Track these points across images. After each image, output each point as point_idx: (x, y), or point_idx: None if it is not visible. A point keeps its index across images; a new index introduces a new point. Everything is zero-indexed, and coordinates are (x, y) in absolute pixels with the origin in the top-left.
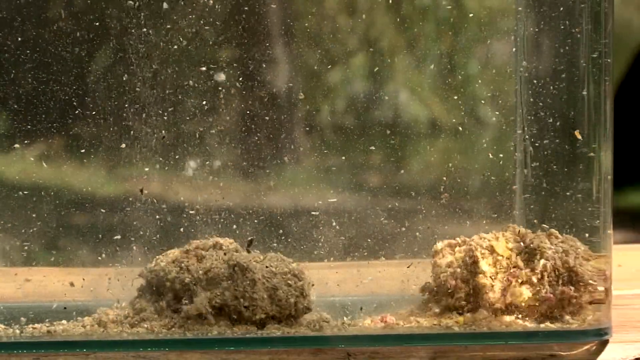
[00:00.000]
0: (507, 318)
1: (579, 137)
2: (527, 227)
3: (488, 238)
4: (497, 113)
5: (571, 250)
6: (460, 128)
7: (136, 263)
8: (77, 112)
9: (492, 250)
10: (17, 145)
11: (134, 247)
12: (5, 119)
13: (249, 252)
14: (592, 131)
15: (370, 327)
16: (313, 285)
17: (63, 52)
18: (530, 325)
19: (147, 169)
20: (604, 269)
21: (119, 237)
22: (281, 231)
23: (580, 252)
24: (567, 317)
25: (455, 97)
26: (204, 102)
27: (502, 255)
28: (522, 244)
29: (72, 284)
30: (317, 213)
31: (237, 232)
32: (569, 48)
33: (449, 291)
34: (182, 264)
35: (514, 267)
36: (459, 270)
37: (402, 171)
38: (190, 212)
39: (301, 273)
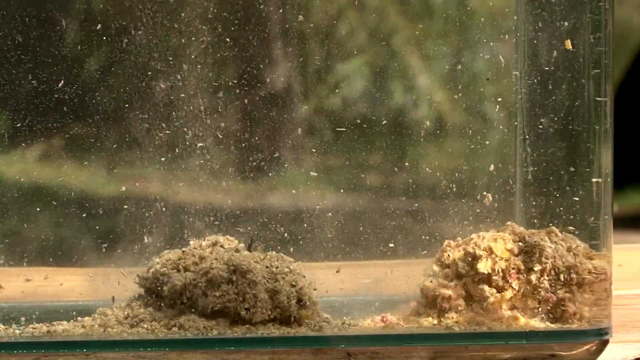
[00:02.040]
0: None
1: (570, 47)
2: (527, 226)
3: (487, 237)
4: (498, 112)
5: (571, 248)
6: (463, 127)
7: (135, 263)
8: (77, 112)
9: (490, 252)
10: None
11: (133, 247)
12: (5, 118)
13: (250, 251)
14: (592, 131)
15: (370, 327)
16: (315, 289)
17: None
18: (532, 323)
19: (146, 169)
20: (604, 268)
21: (117, 237)
22: (291, 230)
23: (580, 249)
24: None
25: (458, 96)
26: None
27: (501, 257)
28: (520, 243)
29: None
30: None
31: (238, 231)
32: (569, 48)
33: (445, 296)
34: (180, 266)
35: (513, 268)
36: (451, 282)
37: (402, 171)
38: (190, 211)
39: (301, 275)
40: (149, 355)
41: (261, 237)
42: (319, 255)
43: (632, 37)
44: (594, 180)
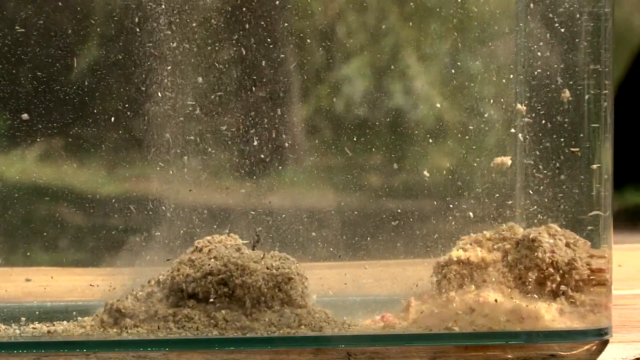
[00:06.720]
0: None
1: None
2: (527, 224)
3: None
4: (498, 113)
5: (570, 244)
6: (462, 128)
7: (135, 264)
8: (78, 112)
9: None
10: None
11: (134, 247)
12: (5, 118)
13: (254, 248)
14: (592, 131)
15: (370, 327)
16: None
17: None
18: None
19: (147, 169)
20: (604, 262)
21: (118, 237)
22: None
23: (579, 244)
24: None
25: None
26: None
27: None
28: (505, 244)
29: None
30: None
31: (237, 231)
32: (569, 48)
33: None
34: (179, 271)
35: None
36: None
37: (402, 171)
38: (192, 210)
39: (303, 277)
40: (149, 355)
41: (261, 236)
42: (320, 255)
43: (632, 37)
44: (594, 178)
